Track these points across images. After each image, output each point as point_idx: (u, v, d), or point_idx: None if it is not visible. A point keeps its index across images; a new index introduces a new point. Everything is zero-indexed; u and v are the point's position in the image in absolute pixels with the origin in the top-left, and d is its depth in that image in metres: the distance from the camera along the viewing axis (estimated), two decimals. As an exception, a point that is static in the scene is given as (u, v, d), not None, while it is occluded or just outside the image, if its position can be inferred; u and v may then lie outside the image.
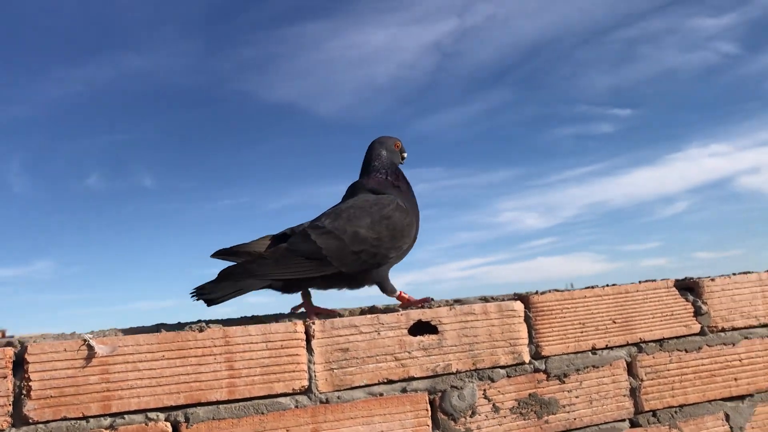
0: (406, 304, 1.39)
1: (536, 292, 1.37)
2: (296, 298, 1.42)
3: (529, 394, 1.30)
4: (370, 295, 1.45)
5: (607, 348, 1.37)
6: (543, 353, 1.32)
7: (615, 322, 1.38)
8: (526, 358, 1.31)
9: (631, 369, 1.37)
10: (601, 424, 1.33)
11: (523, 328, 1.32)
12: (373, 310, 1.33)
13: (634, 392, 1.36)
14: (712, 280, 1.47)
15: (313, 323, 1.20)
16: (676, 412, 1.38)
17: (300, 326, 1.19)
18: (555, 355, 1.33)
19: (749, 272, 1.51)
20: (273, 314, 1.40)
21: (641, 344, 1.39)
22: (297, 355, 1.18)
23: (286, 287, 1.35)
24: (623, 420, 1.35)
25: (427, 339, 1.26)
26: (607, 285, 1.41)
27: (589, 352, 1.35)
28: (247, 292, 1.29)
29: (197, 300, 1.24)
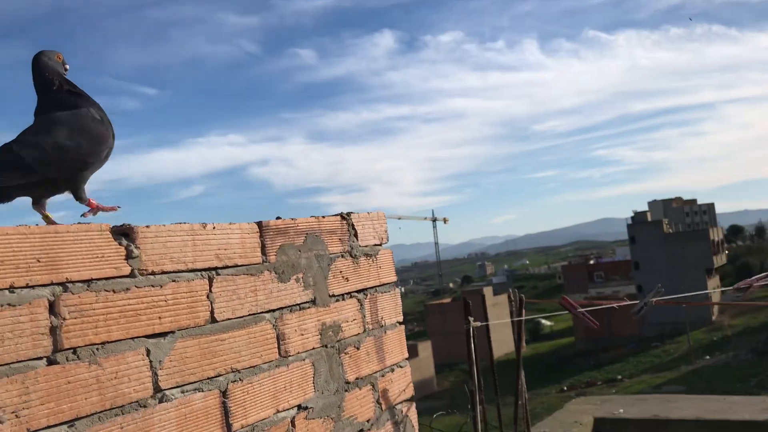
0: (95, 210, 1.60)
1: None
2: None
3: (-75, 334, 1.18)
4: None
5: (28, 287, 1.34)
6: (-52, 290, 1.22)
7: (40, 261, 1.36)
8: (-75, 295, 1.19)
9: (53, 308, 1.37)
10: (13, 363, 1.29)
11: (-75, 262, 1.20)
12: None
13: (54, 330, 1.36)
14: (148, 227, 1.57)
15: None
16: (98, 348, 1.43)
17: None
18: (-37, 293, 1.24)
19: (184, 223, 1.67)
20: None
21: (68, 284, 1.40)
22: None
23: (5, 197, 1.55)
24: (40, 358, 1.33)
25: None
26: (37, 225, 1.39)
27: (7, 291, 1.31)
28: None
29: None
